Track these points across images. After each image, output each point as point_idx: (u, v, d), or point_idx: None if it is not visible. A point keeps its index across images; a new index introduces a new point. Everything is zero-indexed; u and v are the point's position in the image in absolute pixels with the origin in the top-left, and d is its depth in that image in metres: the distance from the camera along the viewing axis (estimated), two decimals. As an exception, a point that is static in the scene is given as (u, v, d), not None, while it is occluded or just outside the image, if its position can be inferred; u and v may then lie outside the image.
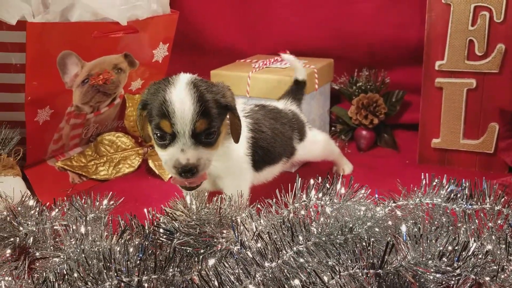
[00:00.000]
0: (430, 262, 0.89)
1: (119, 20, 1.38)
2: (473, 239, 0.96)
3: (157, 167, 1.66)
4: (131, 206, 1.07)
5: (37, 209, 1.15)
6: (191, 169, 1.01)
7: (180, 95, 1.00)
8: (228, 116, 1.10)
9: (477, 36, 1.50)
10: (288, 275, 0.85)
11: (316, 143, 1.48)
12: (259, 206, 1.03)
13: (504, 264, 0.90)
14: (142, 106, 1.06)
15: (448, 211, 1.07)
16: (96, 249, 0.95)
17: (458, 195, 1.08)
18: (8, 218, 1.13)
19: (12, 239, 1.10)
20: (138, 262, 0.89)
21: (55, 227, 1.12)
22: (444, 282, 0.90)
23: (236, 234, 0.94)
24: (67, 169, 1.61)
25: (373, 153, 1.80)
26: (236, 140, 1.11)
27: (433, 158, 1.66)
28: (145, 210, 1.06)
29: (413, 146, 1.73)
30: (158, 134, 1.03)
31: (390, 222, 0.98)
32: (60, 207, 1.16)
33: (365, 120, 1.79)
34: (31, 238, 1.10)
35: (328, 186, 1.00)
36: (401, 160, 1.73)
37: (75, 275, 0.86)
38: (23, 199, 1.18)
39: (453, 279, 0.89)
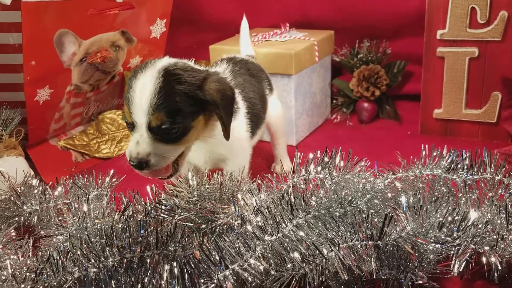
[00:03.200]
0: (429, 232, 0.89)
1: (115, -4, 1.37)
2: (473, 209, 0.96)
3: (159, 144, 1.66)
4: (133, 184, 1.07)
5: (40, 188, 1.16)
6: (140, 164, 0.97)
7: (143, 83, 0.94)
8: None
9: (479, 3, 1.47)
10: (288, 248, 0.86)
11: (277, 106, 1.38)
12: (259, 181, 1.04)
13: (504, 233, 0.91)
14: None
15: (448, 181, 1.07)
16: (98, 227, 0.96)
17: (459, 166, 1.08)
18: (12, 198, 1.14)
19: (16, 219, 1.12)
20: (140, 238, 0.90)
21: (58, 206, 1.13)
22: (443, 252, 0.90)
23: (237, 209, 0.95)
24: (69, 148, 1.61)
25: (375, 125, 1.80)
26: (226, 136, 1.03)
27: (435, 129, 1.65)
28: (148, 187, 1.07)
29: (415, 117, 1.72)
30: (125, 121, 1.00)
31: (389, 194, 0.98)
32: (63, 186, 1.18)
33: (366, 92, 1.78)
34: (35, 217, 1.12)
35: (327, 160, 1.00)
36: (403, 131, 1.73)
37: (78, 252, 0.87)
38: (26, 178, 1.20)
39: (453, 249, 0.90)
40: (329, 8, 1.92)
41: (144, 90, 0.93)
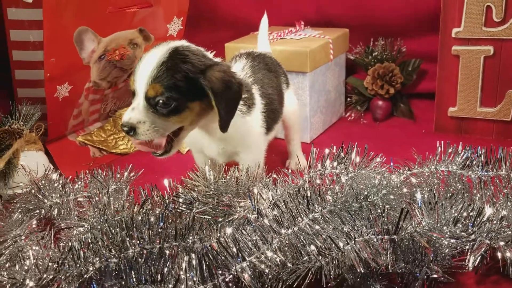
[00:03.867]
0: (444, 228, 0.90)
1: (133, -6, 1.39)
2: (488, 205, 0.97)
3: (174, 140, 1.68)
4: (151, 178, 1.09)
5: (61, 181, 1.19)
6: (129, 129, 1.00)
7: (149, 57, 1.00)
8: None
9: (495, 2, 1.47)
10: (304, 241, 0.88)
11: (293, 101, 1.41)
12: (275, 176, 1.05)
13: (519, 229, 0.91)
14: None
15: (463, 178, 1.08)
16: (118, 218, 0.99)
17: (474, 162, 1.09)
18: (33, 191, 1.17)
19: (37, 211, 1.15)
20: (159, 230, 0.92)
21: (78, 199, 1.16)
22: (458, 247, 0.91)
23: (253, 203, 0.96)
24: (87, 143, 1.64)
25: (389, 123, 1.80)
26: (223, 128, 1.04)
27: (449, 127, 1.65)
28: (165, 181, 1.09)
29: (430, 115, 1.72)
30: (132, 90, 1.05)
31: (405, 190, 0.99)
32: (82, 180, 1.20)
33: (381, 90, 1.78)
34: (56, 210, 1.14)
35: (343, 155, 1.02)
36: (417, 129, 1.73)
37: (100, 243, 0.89)
38: (47, 172, 1.22)
39: (468, 244, 0.90)
40: (343, 6, 1.92)
41: (149, 61, 0.99)
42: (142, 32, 1.57)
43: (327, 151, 1.03)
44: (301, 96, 1.60)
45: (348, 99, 1.91)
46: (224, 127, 1.04)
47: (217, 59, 1.09)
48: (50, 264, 0.88)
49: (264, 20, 1.53)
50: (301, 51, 1.56)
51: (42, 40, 1.36)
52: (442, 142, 1.09)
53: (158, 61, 0.99)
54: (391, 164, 1.06)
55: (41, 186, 1.17)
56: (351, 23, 1.88)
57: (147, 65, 0.99)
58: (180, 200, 1.02)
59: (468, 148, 1.08)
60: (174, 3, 1.61)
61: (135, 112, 1.00)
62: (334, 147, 1.03)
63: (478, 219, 0.91)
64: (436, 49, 1.62)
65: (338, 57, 1.77)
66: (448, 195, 1.01)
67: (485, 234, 0.90)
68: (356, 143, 1.03)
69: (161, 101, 0.99)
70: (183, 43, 1.05)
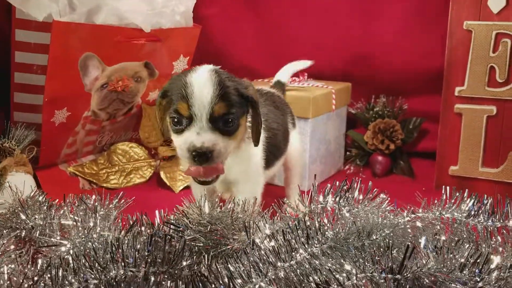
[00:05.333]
0: (450, 274, 0.85)
1: (143, 26, 1.40)
2: (496, 254, 0.92)
3: (168, 178, 1.64)
4: (141, 208, 1.04)
5: (47, 203, 1.13)
6: (205, 153, 0.96)
7: (201, 78, 0.98)
8: (250, 113, 1.06)
9: (498, 63, 1.49)
10: (301, 276, 0.82)
11: (297, 140, 1.41)
12: (275, 207, 1.01)
13: (529, 279, 0.86)
14: (162, 95, 1.04)
15: (469, 227, 1.03)
16: (103, 239, 0.92)
17: (480, 212, 1.05)
18: (16, 210, 1.11)
19: (18, 232, 1.08)
20: (146, 253, 0.86)
21: (62, 222, 1.09)
22: (465, 295, 0.85)
23: (249, 235, 0.91)
24: (78, 174, 1.59)
25: (388, 179, 1.77)
26: (256, 141, 1.07)
27: (450, 186, 1.61)
28: (156, 211, 1.03)
29: (430, 174, 1.70)
30: (175, 119, 1.00)
31: (409, 230, 0.95)
32: (69, 204, 1.14)
33: (381, 145, 1.77)
34: (37, 232, 1.08)
35: (346, 189, 0.98)
36: (417, 187, 1.68)
37: (83, 261, 0.83)
38: (33, 193, 1.17)
39: (476, 291, 0.85)
40: (347, 62, 1.96)
41: (204, 83, 0.97)
42: (147, 66, 1.57)
43: (328, 185, 0.99)
44: (302, 141, 1.58)
45: (348, 152, 1.89)
46: (258, 140, 1.06)
47: None
48: (25, 281, 0.81)
49: (303, 63, 1.59)
50: (304, 96, 1.56)
51: (45, 65, 1.35)
52: (447, 187, 1.05)
53: (214, 81, 0.98)
54: (395, 205, 1.02)
55: (26, 206, 1.11)
56: (354, 79, 1.91)
57: (205, 86, 0.97)
58: (171, 226, 0.96)
59: (474, 196, 1.05)
60: (182, 41, 1.63)
61: (203, 135, 0.97)
62: (337, 182, 1.00)
63: (486, 266, 0.86)
64: (437, 109, 1.63)
65: (339, 109, 1.77)
66: (455, 241, 0.95)
67: (493, 282, 0.84)
68: (360, 179, 0.99)
69: (227, 119, 0.99)
70: (211, 66, 1.05)
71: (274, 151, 1.19)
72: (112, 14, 1.34)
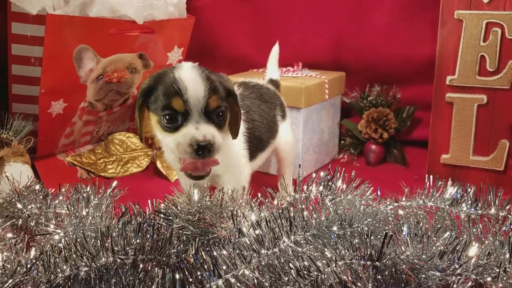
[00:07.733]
0: (429, 261, 0.87)
1: (136, 18, 1.42)
2: (476, 242, 0.94)
3: (164, 168, 1.67)
4: (135, 198, 1.07)
5: (43, 192, 1.16)
6: (207, 145, 0.98)
7: (191, 74, 1.00)
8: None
9: (489, 52, 1.50)
10: (284, 263, 0.84)
11: (287, 133, 1.41)
12: (262, 199, 1.03)
13: (507, 266, 0.88)
14: (146, 93, 1.04)
15: (452, 215, 1.05)
16: (94, 227, 0.96)
17: (463, 200, 1.07)
18: (13, 200, 1.14)
19: (14, 220, 1.12)
20: (135, 241, 0.89)
21: (58, 211, 1.13)
22: (443, 281, 0.88)
23: (235, 223, 0.94)
24: (76, 164, 1.63)
25: (381, 168, 1.79)
26: (235, 134, 1.09)
27: (442, 174, 1.64)
28: (148, 200, 1.06)
29: (422, 162, 1.72)
30: (168, 116, 1.00)
31: (390, 218, 0.97)
32: (64, 194, 1.18)
33: (375, 134, 1.79)
34: (34, 221, 1.11)
35: (329, 179, 1.00)
36: (409, 175, 1.72)
37: (73, 249, 0.86)
38: (30, 183, 1.20)
39: (454, 278, 0.87)
40: (342, 51, 1.97)
41: (195, 78, 0.99)
42: (142, 57, 1.59)
43: (314, 175, 1.01)
44: (294, 131, 1.60)
45: (342, 141, 1.91)
46: (237, 132, 1.09)
47: None
48: (18, 268, 0.84)
49: (275, 49, 1.56)
50: (296, 87, 1.57)
51: (41, 57, 1.38)
52: (431, 176, 1.08)
53: (203, 76, 1.00)
54: (378, 194, 1.04)
55: (22, 195, 1.14)
56: (348, 68, 1.92)
57: (196, 81, 0.99)
58: (161, 215, 1.00)
59: (457, 184, 1.07)
60: (176, 32, 1.65)
61: (202, 129, 0.99)
62: (321, 172, 1.02)
63: (465, 253, 0.88)
64: (430, 98, 1.63)
65: (333, 99, 1.78)
66: (436, 228, 0.98)
67: (471, 269, 0.87)
68: (344, 169, 1.02)
69: (219, 112, 1.01)
70: (189, 62, 1.08)
71: (256, 142, 1.21)
72: (105, 7, 1.36)
